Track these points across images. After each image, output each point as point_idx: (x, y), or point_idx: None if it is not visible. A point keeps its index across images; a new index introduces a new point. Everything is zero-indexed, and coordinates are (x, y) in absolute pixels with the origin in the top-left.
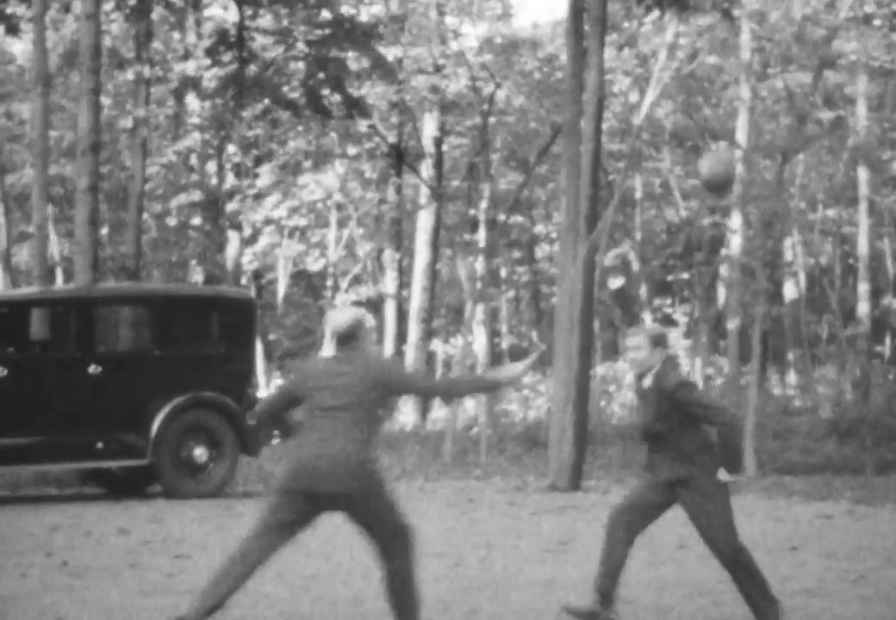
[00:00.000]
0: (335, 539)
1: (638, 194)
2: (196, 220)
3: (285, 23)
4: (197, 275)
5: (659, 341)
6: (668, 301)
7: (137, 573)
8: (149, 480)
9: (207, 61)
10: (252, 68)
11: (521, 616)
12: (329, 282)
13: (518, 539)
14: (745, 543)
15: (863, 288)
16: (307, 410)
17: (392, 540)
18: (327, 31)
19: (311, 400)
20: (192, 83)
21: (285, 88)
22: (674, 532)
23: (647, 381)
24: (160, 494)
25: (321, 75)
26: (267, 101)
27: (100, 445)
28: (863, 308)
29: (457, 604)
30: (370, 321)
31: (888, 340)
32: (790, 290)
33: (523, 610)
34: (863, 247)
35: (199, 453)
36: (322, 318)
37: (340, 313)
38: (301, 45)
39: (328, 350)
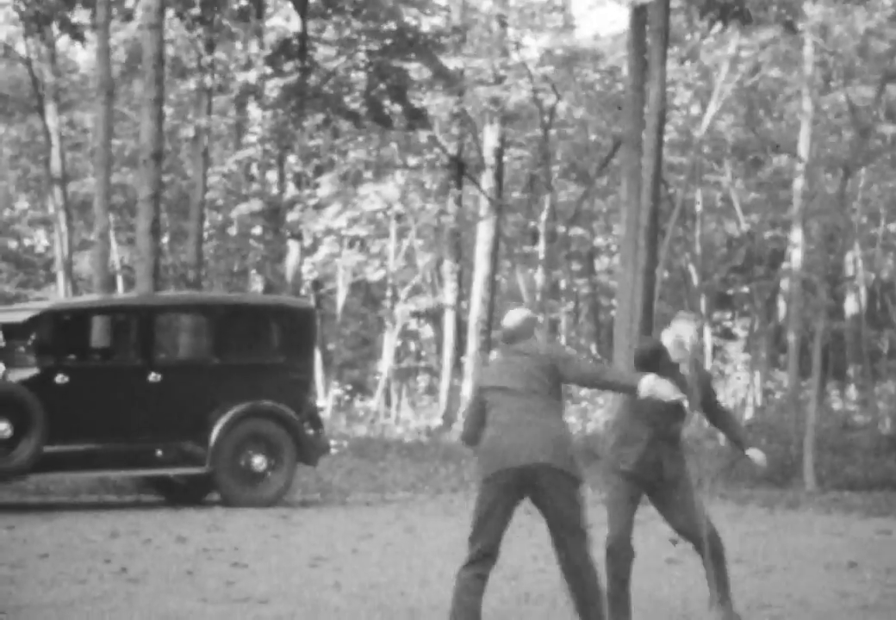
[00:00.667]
0: (392, 549)
1: (698, 207)
2: (256, 230)
3: (347, 33)
4: (257, 285)
5: (700, 333)
6: (728, 315)
7: (195, 580)
8: (207, 488)
9: (269, 70)
10: (314, 78)
11: None
12: (388, 293)
13: None
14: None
15: None
16: (491, 403)
17: (564, 529)
18: (389, 41)
19: (493, 395)
20: (252, 92)
21: (346, 99)
22: (732, 546)
23: (685, 368)
24: (218, 502)
25: (382, 85)
26: (328, 111)
27: (159, 453)
28: None
29: (513, 616)
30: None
31: None
32: (851, 305)
33: None
34: None
35: (258, 461)
36: (380, 328)
37: (516, 312)
38: (363, 55)
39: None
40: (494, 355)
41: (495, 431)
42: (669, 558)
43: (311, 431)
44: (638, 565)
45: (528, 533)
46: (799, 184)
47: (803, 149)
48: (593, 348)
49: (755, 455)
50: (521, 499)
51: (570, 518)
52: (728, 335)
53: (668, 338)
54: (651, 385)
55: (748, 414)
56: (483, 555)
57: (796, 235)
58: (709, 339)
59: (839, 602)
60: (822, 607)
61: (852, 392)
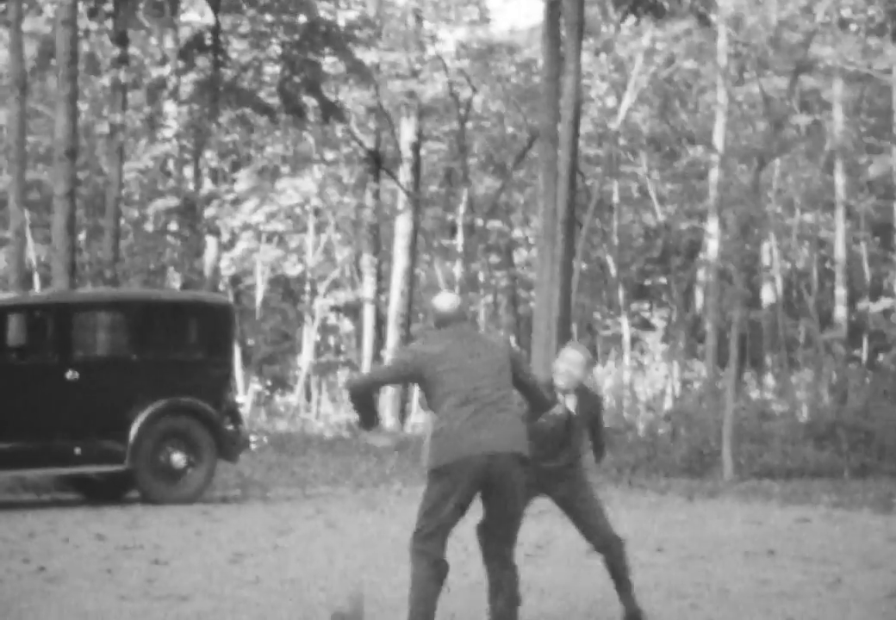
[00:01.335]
0: (313, 544)
1: (615, 199)
2: (173, 226)
3: (261, 26)
4: (175, 281)
5: (591, 365)
6: (646, 305)
7: (115, 578)
8: (126, 486)
9: (182, 65)
10: (228, 72)
11: None
12: (307, 287)
13: None
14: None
15: (840, 292)
16: (444, 392)
17: (506, 525)
18: (302, 35)
19: (443, 382)
20: (163, 86)
21: (262, 93)
22: (651, 535)
23: (571, 403)
24: (138, 500)
25: (296, 79)
26: (243, 105)
27: (77, 451)
28: (840, 312)
29: (438, 608)
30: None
31: (865, 344)
32: (767, 294)
33: None
34: (839, 251)
35: (177, 458)
36: (299, 323)
37: (448, 296)
38: (276, 49)
39: (436, 333)
40: (436, 334)
41: (460, 424)
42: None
43: (230, 427)
44: (559, 557)
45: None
46: (714, 175)
47: (718, 140)
48: (512, 340)
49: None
50: (477, 490)
51: (517, 500)
52: (646, 325)
53: (559, 365)
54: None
55: (667, 404)
56: (437, 560)
57: (712, 226)
58: (626, 330)
59: (758, 590)
60: (741, 595)
61: (770, 381)
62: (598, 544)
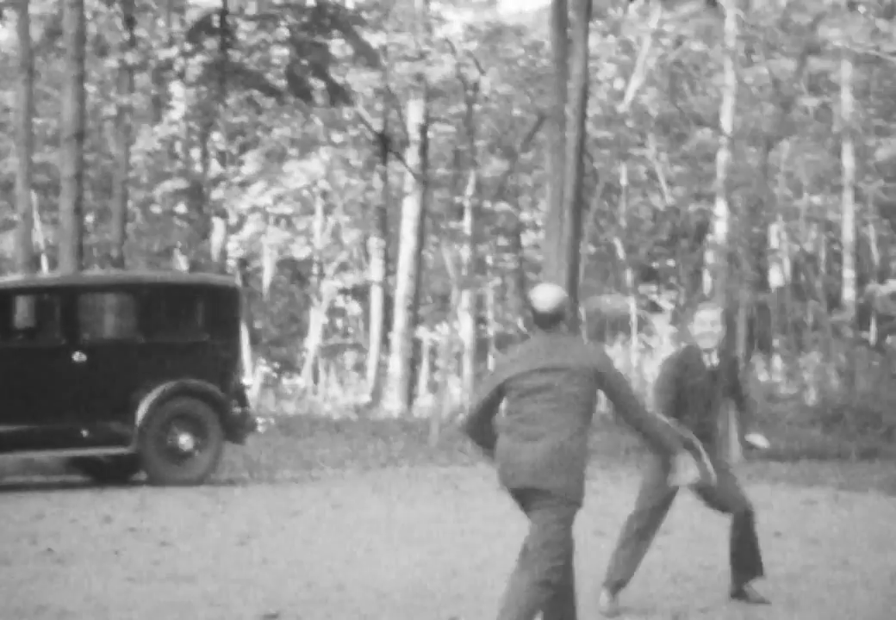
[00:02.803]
0: (320, 526)
1: (623, 181)
2: (181, 208)
3: (269, 9)
4: (182, 264)
5: (723, 318)
6: (654, 288)
7: (122, 560)
8: (134, 468)
9: (189, 47)
10: (236, 55)
11: None
12: (315, 270)
13: (503, 525)
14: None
15: (848, 274)
16: (513, 396)
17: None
18: (310, 17)
19: (515, 402)
20: (169, 66)
21: (269, 75)
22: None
23: (714, 359)
24: (145, 482)
25: (304, 61)
26: (250, 87)
27: (85, 433)
28: (848, 294)
29: (441, 591)
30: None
31: (873, 326)
32: (775, 277)
33: None
34: (848, 233)
35: (184, 441)
36: (306, 306)
37: (545, 292)
38: (284, 31)
39: (532, 332)
40: (529, 340)
41: (509, 441)
42: (597, 530)
43: (237, 409)
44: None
45: (454, 508)
46: (722, 157)
47: (726, 122)
48: (520, 323)
49: (755, 439)
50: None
51: (539, 542)
52: (654, 308)
53: (696, 329)
54: (683, 471)
55: None
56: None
57: (720, 208)
58: (634, 312)
59: (765, 571)
60: None
61: (777, 363)
62: (736, 511)
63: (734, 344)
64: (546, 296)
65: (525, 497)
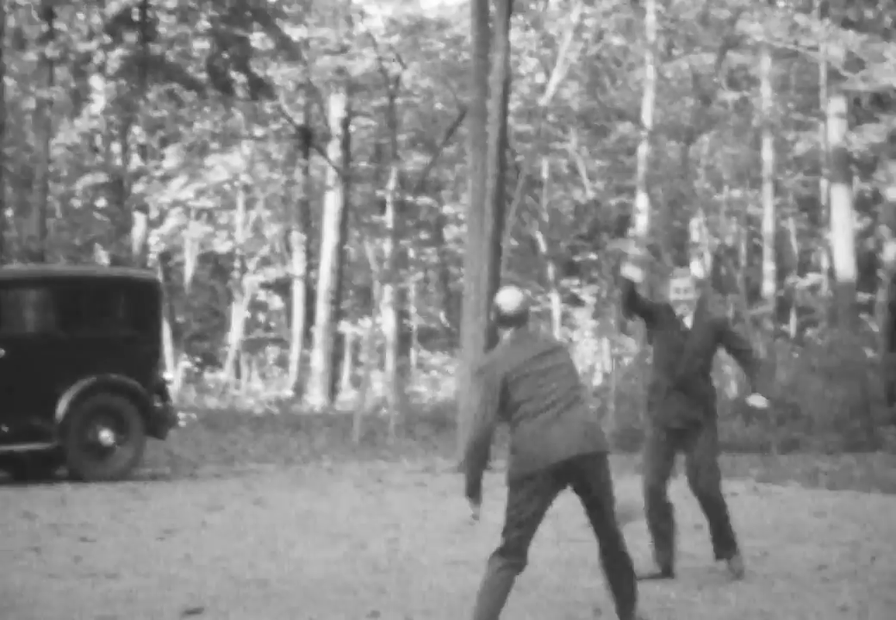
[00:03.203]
0: (242, 521)
1: (545, 175)
2: (101, 202)
3: (189, 2)
4: (103, 258)
5: (699, 283)
6: (576, 281)
7: (42, 556)
8: (55, 463)
9: (109, 40)
10: (156, 48)
11: (427, 597)
12: (236, 264)
13: (426, 519)
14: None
15: (768, 267)
16: (517, 401)
17: (606, 504)
18: (231, 10)
19: (517, 390)
20: (89, 59)
21: (190, 69)
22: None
23: (688, 320)
24: (66, 477)
25: (225, 55)
26: (171, 81)
27: (5, 429)
28: (768, 287)
29: (364, 585)
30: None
31: (793, 319)
32: (696, 270)
33: (430, 591)
34: (767, 226)
35: (106, 436)
36: (228, 300)
37: (509, 295)
38: (205, 24)
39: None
40: (506, 338)
41: (545, 421)
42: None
43: (159, 404)
44: (487, 533)
45: (377, 503)
46: (643, 151)
47: (647, 116)
48: (442, 316)
49: (755, 400)
50: (563, 489)
51: (610, 493)
52: (576, 302)
53: (671, 297)
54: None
55: (597, 380)
56: (518, 550)
57: (641, 202)
58: (557, 306)
59: (685, 564)
60: None
61: None
62: (696, 488)
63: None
64: (511, 298)
65: (570, 468)
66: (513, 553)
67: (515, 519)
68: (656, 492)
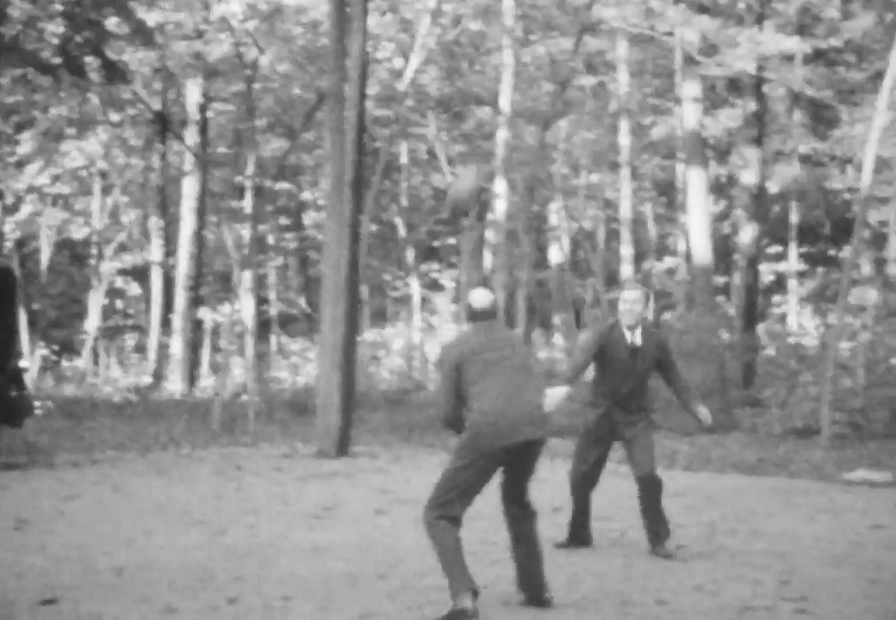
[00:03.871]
0: (99, 510)
1: (404, 160)
2: None
3: None
4: None
5: (648, 298)
6: (436, 266)
7: None
8: None
9: None
10: (8, 32)
11: (285, 582)
12: (94, 251)
13: (285, 505)
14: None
15: (625, 251)
16: (479, 386)
17: (525, 483)
18: None
19: (480, 375)
20: None
21: (44, 53)
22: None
23: (637, 337)
24: None
25: (78, 38)
26: (24, 65)
27: None
28: (626, 271)
29: (222, 571)
30: None
31: (651, 303)
32: (555, 254)
33: (288, 576)
34: (625, 211)
35: None
36: (86, 287)
37: (480, 293)
38: (57, 6)
39: (467, 326)
40: (467, 330)
41: (495, 405)
42: (378, 509)
43: (14, 393)
44: (347, 518)
45: (236, 489)
46: (501, 135)
47: (505, 101)
48: (302, 302)
49: (701, 413)
50: (502, 466)
51: (533, 472)
52: (435, 286)
53: (620, 307)
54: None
55: None
56: (455, 519)
57: (500, 186)
58: (416, 291)
59: (547, 546)
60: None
61: (558, 340)
62: (639, 478)
63: (662, 324)
64: (481, 296)
65: (517, 449)
66: (449, 514)
67: (460, 487)
68: (588, 481)
